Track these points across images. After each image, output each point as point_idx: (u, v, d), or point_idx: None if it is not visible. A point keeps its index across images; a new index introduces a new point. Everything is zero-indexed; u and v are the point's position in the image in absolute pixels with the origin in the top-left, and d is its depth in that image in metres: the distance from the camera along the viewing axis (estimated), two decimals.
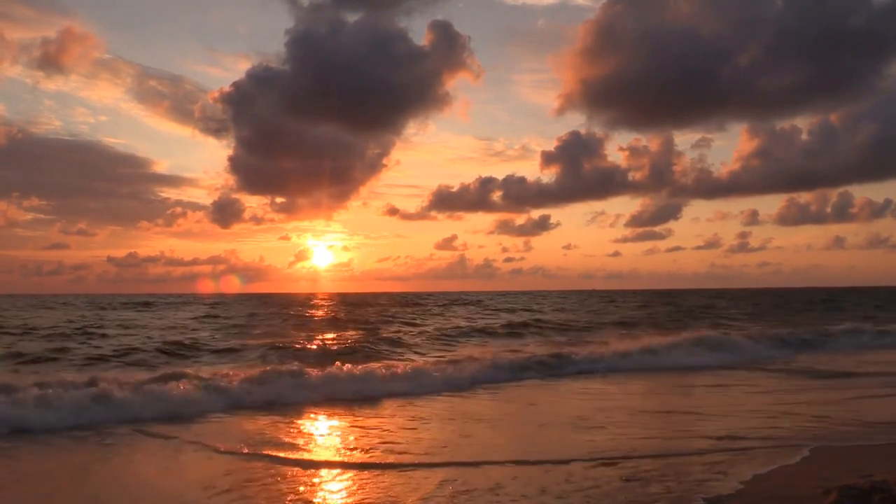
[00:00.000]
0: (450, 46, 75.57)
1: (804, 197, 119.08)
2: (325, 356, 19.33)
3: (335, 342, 24.33)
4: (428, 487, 7.04)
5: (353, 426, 10.65)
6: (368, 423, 10.77)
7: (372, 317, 42.65)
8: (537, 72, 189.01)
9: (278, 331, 30.92)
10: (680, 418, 11.15)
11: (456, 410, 12.19)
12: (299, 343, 23.35)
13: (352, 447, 9.11)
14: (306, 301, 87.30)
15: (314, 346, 22.57)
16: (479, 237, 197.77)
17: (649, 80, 66.91)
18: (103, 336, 26.37)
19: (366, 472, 7.77)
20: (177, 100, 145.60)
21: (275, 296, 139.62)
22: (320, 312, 49.81)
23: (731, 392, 14.03)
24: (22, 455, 8.83)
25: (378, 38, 62.87)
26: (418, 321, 37.36)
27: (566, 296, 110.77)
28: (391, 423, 10.88)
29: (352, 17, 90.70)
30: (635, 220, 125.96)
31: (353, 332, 29.14)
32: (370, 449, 8.90)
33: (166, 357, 19.77)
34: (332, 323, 37.08)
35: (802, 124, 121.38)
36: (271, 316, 44.00)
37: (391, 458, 8.34)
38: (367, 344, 23.36)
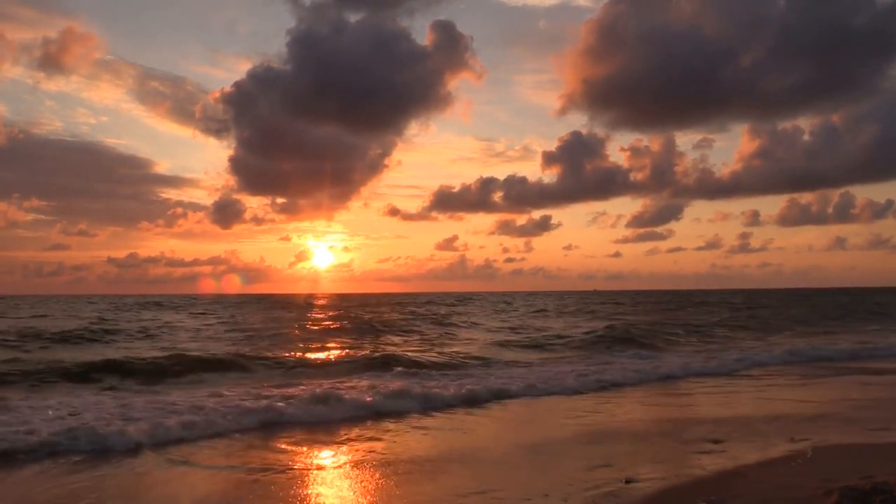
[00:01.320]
0: (452, 47, 75.91)
1: (805, 197, 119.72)
2: None
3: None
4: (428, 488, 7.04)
5: None
6: None
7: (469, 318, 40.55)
8: (538, 72, 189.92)
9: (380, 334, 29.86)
10: (684, 418, 11.13)
11: None
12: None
13: None
14: (343, 302, 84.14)
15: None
16: (479, 238, 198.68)
17: (651, 80, 67.31)
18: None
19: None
20: (178, 101, 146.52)
21: (285, 297, 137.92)
22: (395, 315, 45.49)
23: (748, 393, 14.03)
24: None
25: (380, 38, 63.16)
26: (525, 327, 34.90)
27: (582, 297, 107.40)
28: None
29: (354, 17, 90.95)
30: (636, 221, 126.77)
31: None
32: None
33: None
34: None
35: (804, 125, 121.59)
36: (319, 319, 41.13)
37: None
38: None
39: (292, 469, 7.84)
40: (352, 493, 6.91)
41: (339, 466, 8.04)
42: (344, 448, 9.01)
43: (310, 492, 6.92)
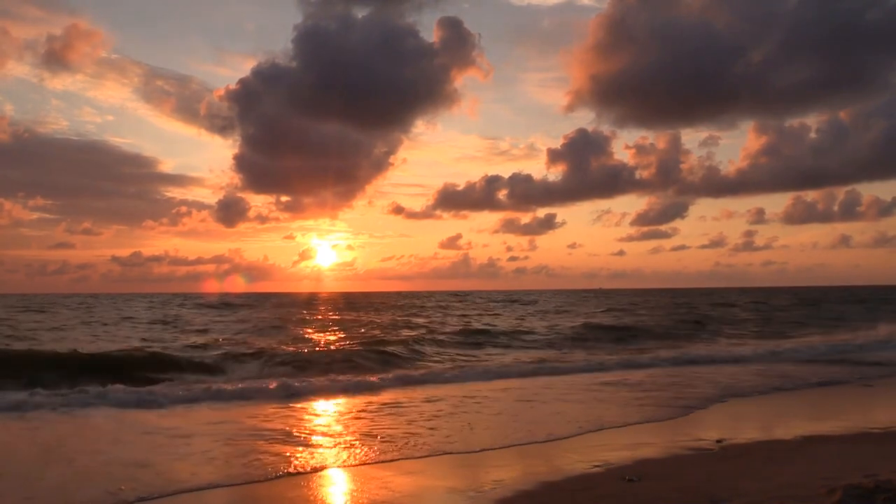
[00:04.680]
0: (459, 44, 75.33)
1: (811, 195, 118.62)
2: None
3: None
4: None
5: None
6: None
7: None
8: (543, 70, 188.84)
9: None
10: (686, 418, 11.09)
11: None
12: None
13: None
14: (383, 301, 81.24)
15: None
16: (483, 236, 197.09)
17: (659, 77, 66.57)
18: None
19: None
20: (183, 99, 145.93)
21: (297, 295, 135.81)
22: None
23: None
24: None
25: (387, 34, 62.54)
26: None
27: (598, 296, 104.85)
28: None
29: (361, 13, 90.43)
30: (641, 219, 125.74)
31: None
32: None
33: None
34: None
35: (812, 122, 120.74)
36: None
37: None
38: None
39: None
40: None
41: None
42: None
43: None
